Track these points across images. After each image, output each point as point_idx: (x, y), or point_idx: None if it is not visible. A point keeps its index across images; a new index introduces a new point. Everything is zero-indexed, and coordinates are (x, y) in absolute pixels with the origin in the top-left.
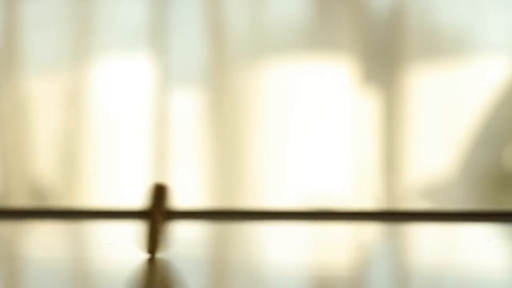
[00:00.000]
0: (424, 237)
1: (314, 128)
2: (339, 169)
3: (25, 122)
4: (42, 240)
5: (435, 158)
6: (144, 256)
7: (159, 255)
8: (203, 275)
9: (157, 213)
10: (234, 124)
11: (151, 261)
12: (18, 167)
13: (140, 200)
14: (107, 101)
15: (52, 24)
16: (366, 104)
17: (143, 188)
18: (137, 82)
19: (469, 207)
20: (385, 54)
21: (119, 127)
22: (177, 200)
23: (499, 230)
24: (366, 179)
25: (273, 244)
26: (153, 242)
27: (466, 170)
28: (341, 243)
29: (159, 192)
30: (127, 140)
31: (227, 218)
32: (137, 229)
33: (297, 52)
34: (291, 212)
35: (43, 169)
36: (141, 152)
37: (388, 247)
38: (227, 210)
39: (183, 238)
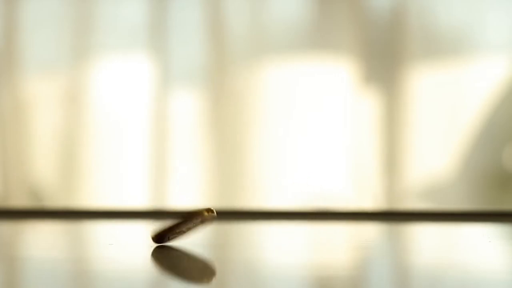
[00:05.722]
0: (424, 237)
1: (314, 128)
2: (339, 169)
3: (25, 122)
4: (42, 240)
5: (435, 158)
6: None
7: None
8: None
9: None
10: (234, 124)
11: None
12: (18, 167)
13: (140, 200)
14: (107, 101)
15: (52, 24)
16: (366, 104)
17: (143, 188)
18: (137, 82)
19: (469, 207)
20: (385, 54)
21: (118, 127)
22: (177, 200)
23: (499, 230)
24: (366, 179)
25: (273, 244)
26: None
27: (466, 170)
28: (341, 243)
29: None
30: (127, 140)
31: (227, 218)
32: (137, 229)
33: (297, 52)
34: (291, 212)
35: (42, 168)
36: (141, 152)
37: (388, 247)
38: (227, 210)
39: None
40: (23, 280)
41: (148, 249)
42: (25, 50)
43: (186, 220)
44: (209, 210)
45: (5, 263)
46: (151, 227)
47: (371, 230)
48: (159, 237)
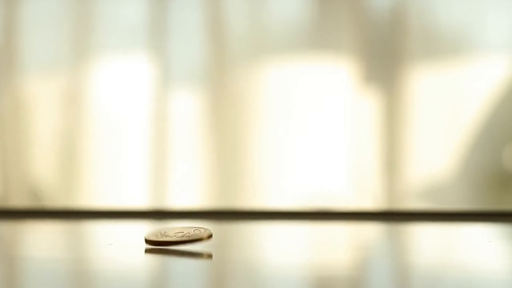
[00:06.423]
0: (424, 237)
1: (314, 128)
2: (339, 169)
3: (25, 122)
4: (42, 240)
5: (435, 158)
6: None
7: None
8: (203, 275)
9: None
10: (234, 124)
11: None
12: (18, 167)
13: (140, 200)
14: (107, 101)
15: (52, 24)
16: (366, 104)
17: (143, 188)
18: (137, 83)
19: (469, 207)
20: (385, 54)
21: (118, 127)
22: (177, 200)
23: (499, 230)
24: (366, 179)
25: (273, 244)
26: None
27: (466, 170)
28: (341, 243)
29: None
30: (127, 140)
31: (227, 218)
32: (137, 229)
33: (297, 52)
34: (291, 212)
35: (42, 168)
36: (141, 152)
37: (388, 247)
38: (227, 210)
39: None
40: (23, 280)
41: (147, 249)
42: (25, 50)
43: (184, 242)
44: (209, 236)
45: (5, 263)
46: (150, 228)
47: (371, 230)
48: (153, 244)
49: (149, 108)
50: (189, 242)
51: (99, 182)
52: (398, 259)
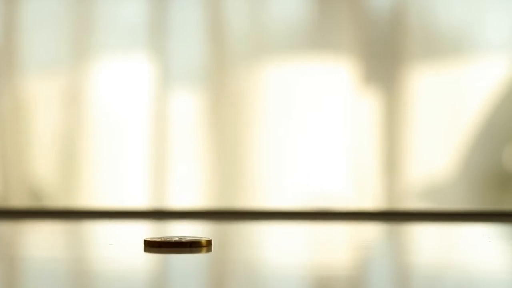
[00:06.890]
0: (424, 237)
1: (314, 128)
2: (339, 169)
3: (25, 122)
4: (42, 240)
5: (435, 158)
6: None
7: None
8: (203, 275)
9: None
10: (234, 124)
11: None
12: (18, 167)
13: (140, 200)
14: (107, 101)
15: (52, 24)
16: (366, 104)
17: (143, 188)
18: (137, 83)
19: (469, 207)
20: (385, 54)
21: (118, 127)
22: (177, 200)
23: (499, 230)
24: (366, 179)
25: (273, 244)
26: None
27: (466, 170)
28: (341, 243)
29: None
30: (127, 140)
31: (227, 218)
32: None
33: (297, 52)
34: (291, 212)
35: (42, 168)
36: (141, 152)
37: (388, 247)
38: (227, 210)
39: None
40: (23, 280)
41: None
42: (25, 50)
43: (183, 245)
44: (208, 243)
45: (5, 263)
46: (150, 227)
47: (371, 230)
48: (153, 245)
49: (149, 108)
50: (187, 245)
51: (99, 182)
52: (398, 259)
